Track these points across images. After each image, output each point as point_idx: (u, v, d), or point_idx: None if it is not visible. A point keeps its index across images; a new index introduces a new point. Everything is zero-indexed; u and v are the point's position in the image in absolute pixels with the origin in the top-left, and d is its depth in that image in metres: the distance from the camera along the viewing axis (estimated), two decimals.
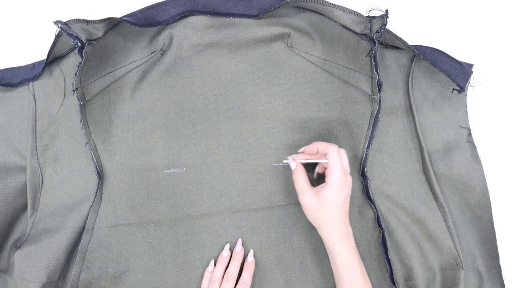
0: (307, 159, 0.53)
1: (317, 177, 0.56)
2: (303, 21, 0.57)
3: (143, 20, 0.55)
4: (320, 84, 0.59)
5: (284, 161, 0.54)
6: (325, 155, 0.50)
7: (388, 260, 0.54)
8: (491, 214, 0.56)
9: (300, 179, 0.50)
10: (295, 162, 0.52)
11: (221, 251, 0.56)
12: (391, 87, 0.58)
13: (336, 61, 0.58)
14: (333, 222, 0.48)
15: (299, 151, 0.55)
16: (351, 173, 0.57)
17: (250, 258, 0.55)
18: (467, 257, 0.56)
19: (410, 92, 0.58)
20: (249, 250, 0.56)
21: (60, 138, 0.57)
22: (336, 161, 0.48)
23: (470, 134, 0.58)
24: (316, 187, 0.50)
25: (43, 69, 0.56)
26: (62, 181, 0.57)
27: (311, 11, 0.57)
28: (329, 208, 0.48)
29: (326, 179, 0.49)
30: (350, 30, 0.56)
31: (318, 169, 0.55)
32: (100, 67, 0.57)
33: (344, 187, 0.48)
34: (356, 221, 0.56)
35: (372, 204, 0.56)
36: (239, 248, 0.56)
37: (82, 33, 0.52)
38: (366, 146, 0.57)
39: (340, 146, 0.58)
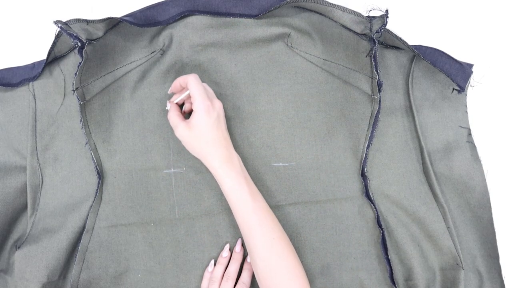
0: (177, 97, 0.53)
1: (186, 117, 0.56)
2: (303, 21, 0.57)
3: (143, 20, 0.55)
4: (320, 84, 0.59)
5: (166, 108, 0.54)
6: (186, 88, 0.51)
7: (388, 260, 0.54)
8: (491, 214, 0.56)
9: (172, 115, 0.51)
10: (169, 104, 0.53)
11: (221, 251, 0.56)
12: (391, 87, 0.58)
13: (336, 61, 0.58)
14: (210, 147, 0.49)
15: (168, 92, 0.55)
16: (351, 173, 0.57)
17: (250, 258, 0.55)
18: (467, 257, 0.56)
19: (410, 92, 0.58)
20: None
21: (60, 138, 0.57)
22: (196, 86, 0.49)
23: (470, 134, 0.58)
24: (188, 118, 0.51)
25: (43, 69, 0.56)
26: (62, 181, 0.57)
27: (311, 11, 0.57)
28: (202, 134, 0.48)
29: (193, 107, 0.49)
30: (350, 30, 0.56)
31: (185, 108, 0.55)
32: (100, 67, 0.57)
33: (210, 110, 0.49)
34: (356, 221, 0.56)
35: (372, 204, 0.56)
36: (238, 248, 0.56)
37: (82, 33, 0.52)
38: (366, 146, 0.57)
39: (340, 146, 0.58)
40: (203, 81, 0.58)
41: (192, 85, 0.49)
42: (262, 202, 0.50)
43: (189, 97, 0.53)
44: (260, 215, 0.49)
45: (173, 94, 0.56)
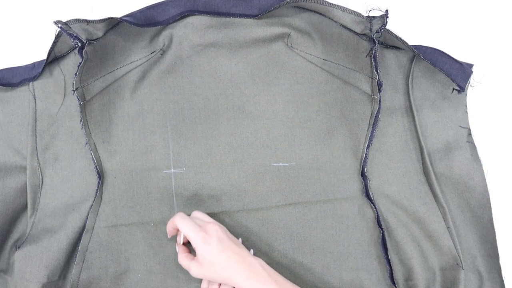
0: (180, 238, 0.54)
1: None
2: (303, 21, 0.57)
3: (143, 20, 0.55)
4: (320, 84, 0.59)
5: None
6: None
7: (388, 260, 0.55)
8: (491, 214, 0.56)
9: (182, 258, 0.51)
10: (178, 247, 0.54)
11: None
12: (391, 87, 0.59)
13: (336, 61, 0.58)
14: (228, 271, 0.47)
15: (169, 237, 0.55)
16: (351, 173, 0.57)
17: None
18: (467, 257, 0.56)
19: (410, 92, 0.58)
20: (249, 250, 0.56)
21: (60, 138, 0.57)
22: (184, 225, 0.49)
23: (470, 134, 0.58)
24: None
25: (43, 69, 0.56)
26: (62, 181, 0.57)
27: (311, 11, 0.57)
28: (212, 264, 0.48)
29: (192, 245, 0.50)
30: (350, 30, 0.56)
31: (181, 241, 0.54)
32: (100, 67, 0.57)
33: (207, 238, 0.48)
34: (356, 221, 0.56)
35: (372, 204, 0.56)
36: None
37: (82, 33, 0.52)
38: (366, 146, 0.57)
39: (340, 146, 0.58)
40: (203, 81, 0.59)
41: (180, 226, 0.50)
42: None
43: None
44: None
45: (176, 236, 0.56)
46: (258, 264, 0.49)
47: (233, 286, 0.49)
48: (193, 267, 0.49)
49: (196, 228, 0.49)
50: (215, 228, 0.49)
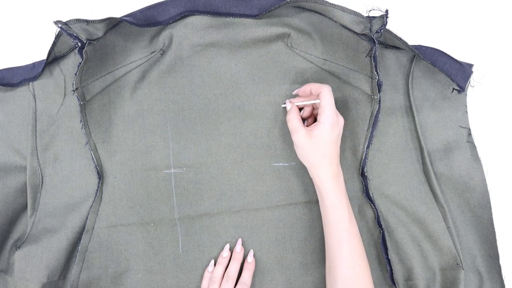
0: (302, 101, 0.54)
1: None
2: (303, 21, 0.57)
3: (143, 20, 0.55)
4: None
5: (283, 105, 0.54)
6: (317, 95, 0.51)
7: (388, 260, 0.54)
8: (491, 214, 0.56)
9: (293, 118, 0.51)
10: (291, 104, 0.53)
11: (221, 251, 0.56)
12: (391, 87, 0.58)
13: (336, 61, 0.58)
14: (324, 160, 0.49)
15: (293, 93, 0.56)
16: (351, 173, 0.57)
17: (250, 258, 0.55)
18: (467, 257, 0.56)
19: (410, 92, 0.58)
20: (249, 250, 0.56)
21: (60, 138, 0.57)
22: (329, 100, 0.50)
23: (470, 134, 0.58)
24: (309, 126, 0.51)
25: (43, 69, 0.56)
26: (62, 181, 0.57)
27: (311, 11, 0.57)
28: (320, 146, 0.49)
29: (318, 117, 0.50)
30: (350, 30, 0.56)
31: (303, 113, 0.55)
32: (100, 67, 0.57)
33: (335, 125, 0.49)
34: (356, 221, 0.56)
35: (372, 204, 0.56)
36: (239, 248, 0.56)
37: (82, 33, 0.52)
38: (366, 146, 0.57)
39: (340, 146, 0.58)
40: (203, 81, 0.59)
41: (325, 97, 0.50)
42: (356, 227, 0.50)
43: (313, 104, 0.54)
44: (352, 238, 0.49)
45: (295, 94, 0.56)
46: (342, 176, 0.52)
47: (313, 176, 0.51)
48: (301, 134, 0.50)
49: (335, 110, 0.50)
50: (342, 123, 0.51)
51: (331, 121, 0.49)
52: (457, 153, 0.57)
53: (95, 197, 0.56)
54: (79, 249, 0.55)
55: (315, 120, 0.56)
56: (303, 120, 0.56)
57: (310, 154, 0.50)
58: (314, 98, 0.53)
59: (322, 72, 0.59)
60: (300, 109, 0.56)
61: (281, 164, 0.58)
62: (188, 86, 0.59)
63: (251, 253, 0.56)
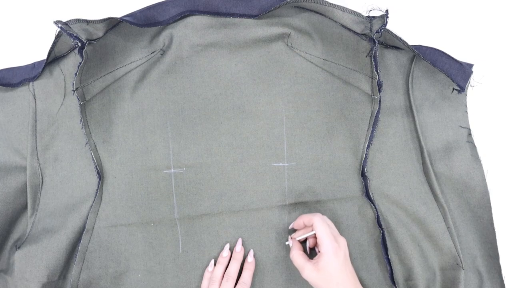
0: (300, 236, 0.53)
1: (310, 252, 0.56)
2: (303, 21, 0.57)
3: (143, 20, 0.55)
4: (320, 84, 0.59)
5: (286, 243, 0.55)
6: (311, 226, 0.51)
7: (388, 260, 0.55)
8: (491, 214, 0.56)
9: (297, 256, 0.51)
10: (290, 240, 0.53)
11: (221, 251, 0.56)
12: (391, 87, 0.58)
13: (336, 61, 0.58)
14: None
15: (289, 227, 0.56)
16: (351, 173, 0.57)
17: (250, 258, 0.55)
18: (467, 257, 0.56)
19: (410, 92, 0.58)
20: (249, 250, 0.56)
21: (60, 138, 0.57)
22: (322, 228, 0.49)
23: (470, 134, 0.58)
24: (313, 259, 0.50)
25: (43, 69, 0.56)
26: (62, 181, 0.57)
27: (311, 11, 0.57)
28: (331, 276, 0.48)
29: (319, 248, 0.49)
30: (350, 30, 0.56)
31: (309, 244, 0.55)
32: (100, 67, 0.57)
33: (338, 251, 0.48)
34: (356, 221, 0.56)
35: (372, 204, 0.56)
36: (239, 248, 0.56)
37: (82, 33, 0.52)
38: (366, 146, 0.57)
39: (340, 146, 0.58)
40: (203, 81, 0.59)
41: (318, 227, 0.49)
42: None
43: (313, 235, 0.53)
44: None
45: (293, 229, 0.56)
46: None
47: None
48: (308, 269, 0.49)
49: (332, 237, 0.49)
50: (344, 243, 0.50)
51: (332, 249, 0.48)
52: (457, 153, 0.57)
53: (95, 197, 0.56)
54: (79, 249, 0.55)
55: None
56: (312, 249, 0.56)
57: (324, 286, 0.49)
58: (309, 230, 0.52)
59: (322, 72, 0.59)
60: (305, 240, 0.55)
61: (281, 164, 0.58)
62: (188, 86, 0.58)
63: (251, 253, 0.56)
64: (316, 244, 0.54)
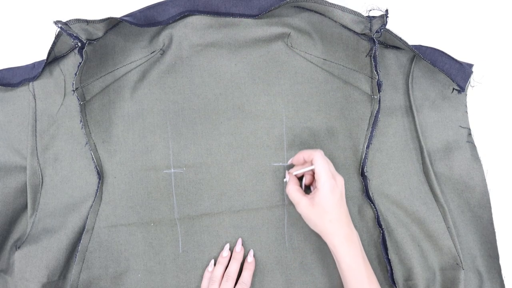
0: (298, 170, 0.53)
1: (305, 189, 0.56)
2: (303, 21, 0.57)
3: (143, 20, 0.55)
4: (320, 84, 0.59)
5: (284, 179, 0.55)
6: (311, 162, 0.50)
7: (388, 260, 0.55)
8: (491, 214, 0.56)
9: (293, 190, 0.51)
10: (288, 175, 0.53)
11: (221, 251, 0.56)
12: (391, 87, 0.58)
13: (336, 61, 0.58)
14: (333, 225, 0.48)
15: (288, 162, 0.55)
16: (351, 173, 0.57)
17: (250, 258, 0.55)
18: (467, 257, 0.56)
19: (410, 92, 0.58)
20: (249, 250, 0.56)
21: (60, 138, 0.57)
22: (322, 165, 0.49)
23: (470, 134, 0.58)
24: (309, 194, 0.50)
25: (43, 69, 0.56)
26: (62, 181, 0.57)
27: (311, 11, 0.57)
28: (326, 212, 0.48)
29: (316, 184, 0.49)
30: (350, 30, 0.56)
31: (305, 181, 0.55)
32: (100, 67, 0.57)
33: (335, 189, 0.49)
34: (356, 221, 0.56)
35: (372, 204, 0.56)
36: (239, 248, 0.56)
37: (82, 33, 0.52)
38: (366, 146, 0.57)
39: (340, 146, 0.58)
40: (203, 81, 0.58)
41: (318, 163, 0.49)
42: (376, 285, 0.49)
43: (310, 171, 0.53)
44: None
45: (290, 164, 0.56)
46: (356, 235, 0.50)
47: (326, 241, 0.50)
48: (304, 204, 0.49)
49: (330, 174, 0.49)
50: (342, 182, 0.50)
51: (329, 186, 0.48)
52: (457, 153, 0.57)
53: (95, 197, 0.56)
54: (79, 249, 0.55)
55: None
56: (308, 187, 0.56)
57: (318, 222, 0.49)
58: (308, 165, 0.52)
59: (322, 72, 0.59)
60: (301, 177, 0.55)
61: (281, 164, 0.58)
62: (188, 86, 0.59)
63: (251, 253, 0.56)
64: (312, 182, 0.55)
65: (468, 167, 0.57)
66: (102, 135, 0.57)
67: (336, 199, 0.48)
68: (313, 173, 0.54)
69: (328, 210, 0.48)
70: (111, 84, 0.58)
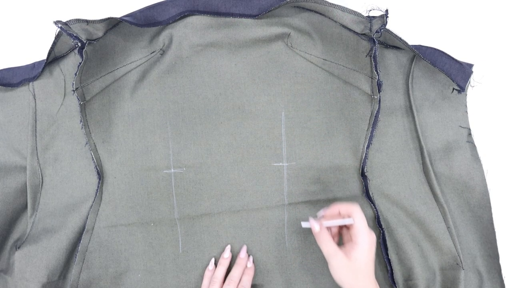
0: (332, 222, 0.50)
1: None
2: (303, 21, 0.57)
3: (143, 20, 0.55)
4: (320, 84, 0.59)
5: (303, 224, 0.51)
6: (348, 216, 0.49)
7: (388, 260, 0.55)
8: (491, 214, 0.56)
9: (328, 241, 0.49)
10: (318, 225, 0.50)
11: (221, 251, 0.56)
12: (391, 87, 0.59)
13: (336, 61, 0.58)
14: (365, 281, 0.48)
15: (319, 214, 0.52)
16: (351, 173, 0.58)
17: (250, 264, 0.55)
18: (467, 257, 0.56)
19: (410, 92, 0.58)
20: (249, 256, 0.56)
21: (60, 138, 0.57)
22: (362, 220, 0.48)
23: (470, 134, 0.58)
24: (343, 247, 0.49)
25: (43, 69, 0.56)
26: (62, 181, 0.57)
27: (311, 11, 0.57)
28: (360, 269, 0.47)
29: (355, 239, 0.48)
30: (350, 30, 0.56)
31: (333, 232, 0.52)
32: (100, 67, 0.57)
33: (373, 246, 0.48)
34: None
35: (372, 204, 0.56)
36: (243, 254, 0.55)
37: (82, 33, 0.52)
38: (366, 146, 0.57)
39: (340, 146, 0.58)
40: (203, 81, 0.59)
41: (358, 218, 0.48)
42: None
43: (343, 225, 0.51)
44: None
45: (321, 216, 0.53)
46: (375, 284, 0.49)
47: None
48: (340, 257, 0.48)
49: (370, 230, 0.48)
50: (375, 238, 0.50)
51: (368, 242, 0.48)
52: (457, 153, 0.57)
53: (95, 197, 0.56)
54: (79, 249, 0.55)
55: (339, 236, 0.53)
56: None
57: (350, 276, 0.48)
58: (344, 218, 0.50)
59: (322, 72, 0.59)
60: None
61: (281, 164, 0.58)
62: (188, 86, 0.59)
63: (250, 258, 0.56)
64: (337, 235, 0.53)
65: (468, 167, 0.57)
66: (102, 135, 0.57)
67: (373, 256, 0.48)
68: (339, 226, 0.52)
69: (364, 267, 0.47)
70: (111, 84, 0.58)
